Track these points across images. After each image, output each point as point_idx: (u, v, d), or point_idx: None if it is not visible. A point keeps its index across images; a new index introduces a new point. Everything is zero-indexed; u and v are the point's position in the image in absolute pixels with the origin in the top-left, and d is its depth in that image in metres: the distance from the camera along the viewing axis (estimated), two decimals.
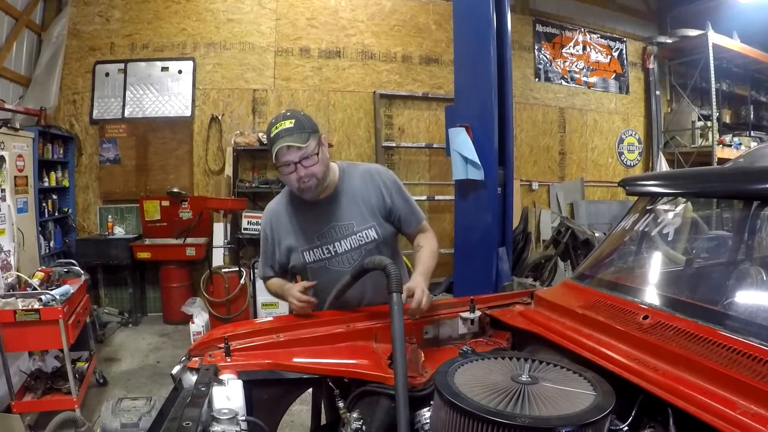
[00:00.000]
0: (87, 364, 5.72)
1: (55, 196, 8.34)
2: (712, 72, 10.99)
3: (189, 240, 8.31)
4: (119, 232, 8.82)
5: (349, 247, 2.89)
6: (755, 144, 11.81)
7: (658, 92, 12.08)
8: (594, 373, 1.88)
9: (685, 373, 1.85)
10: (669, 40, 11.78)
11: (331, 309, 2.81)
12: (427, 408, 2.09)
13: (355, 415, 2.19)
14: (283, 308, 7.71)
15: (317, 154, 2.70)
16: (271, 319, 2.96)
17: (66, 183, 8.60)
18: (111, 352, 7.22)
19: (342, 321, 2.66)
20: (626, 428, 1.85)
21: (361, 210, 2.90)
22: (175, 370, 2.35)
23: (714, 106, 11.20)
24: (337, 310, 2.88)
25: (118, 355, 7.15)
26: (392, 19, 9.82)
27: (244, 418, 1.98)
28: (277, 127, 2.67)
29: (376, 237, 2.89)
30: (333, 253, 2.90)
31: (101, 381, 6.08)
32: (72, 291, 5.22)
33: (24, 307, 4.75)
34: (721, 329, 1.97)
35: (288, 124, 2.65)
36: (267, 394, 2.36)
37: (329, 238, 2.89)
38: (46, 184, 7.92)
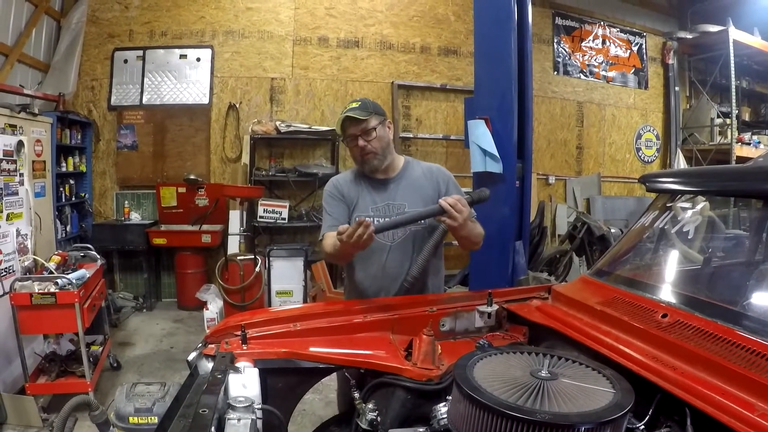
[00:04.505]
0: (101, 348, 5.76)
1: (72, 181, 8.39)
2: (732, 69, 10.87)
3: (205, 227, 8.35)
4: (135, 217, 8.87)
5: None
6: None
7: (677, 88, 11.97)
8: (613, 371, 1.87)
9: (703, 373, 1.84)
10: (689, 36, 11.66)
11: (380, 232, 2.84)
12: (444, 403, 2.08)
13: (370, 405, 2.20)
14: (297, 297, 7.75)
15: (375, 129, 3.07)
16: (287, 308, 2.96)
17: (83, 168, 8.64)
18: (125, 337, 7.28)
19: (359, 311, 2.66)
20: (643, 427, 1.84)
21: (416, 195, 3.16)
22: (191, 356, 2.36)
23: (733, 104, 11.08)
24: (356, 299, 3.05)
25: (132, 339, 7.20)
26: (411, 10, 9.79)
27: (259, 406, 1.98)
28: (346, 107, 3.09)
29: (423, 222, 3.08)
30: None
31: (115, 365, 6.12)
32: (88, 275, 5.25)
33: (40, 291, 4.79)
34: (741, 330, 1.95)
35: (355, 105, 3.06)
36: (282, 383, 2.36)
37: (381, 213, 3.14)
38: (64, 169, 7.97)
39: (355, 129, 3.06)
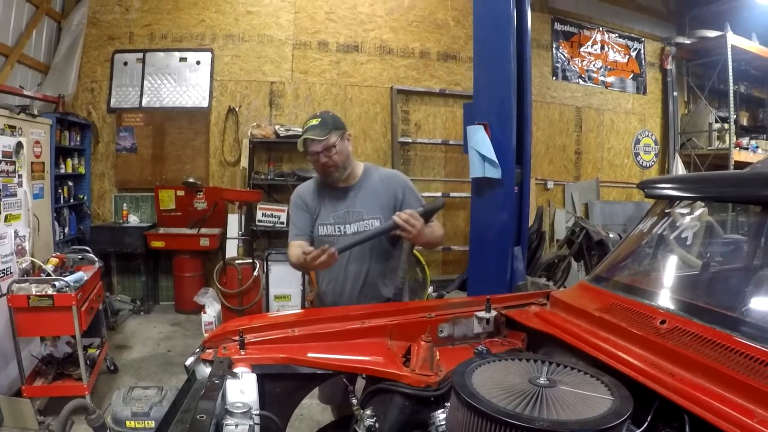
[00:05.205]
0: (98, 351, 5.74)
1: (71, 183, 8.38)
2: (731, 74, 10.90)
3: (203, 230, 8.34)
4: (134, 220, 8.86)
5: (355, 231, 3.35)
6: None
7: (675, 93, 12.00)
8: (611, 377, 1.87)
9: (702, 380, 1.83)
10: (687, 41, 11.70)
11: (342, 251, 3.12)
12: (442, 410, 2.08)
13: (368, 412, 2.20)
14: (295, 301, 7.73)
15: (335, 146, 3.26)
16: (285, 313, 2.98)
17: (82, 170, 8.64)
18: (122, 340, 7.27)
19: (357, 317, 2.67)
20: None
21: (373, 203, 3.39)
22: (189, 361, 2.36)
23: (731, 108, 11.10)
24: (351, 305, 3.17)
25: (130, 342, 7.20)
26: (411, 15, 9.80)
27: (257, 411, 1.98)
28: (306, 124, 3.31)
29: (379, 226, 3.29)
30: (341, 233, 3.37)
31: (112, 368, 6.11)
32: (86, 278, 5.23)
33: (38, 293, 4.76)
34: (739, 336, 1.95)
35: (314, 122, 3.28)
36: (280, 388, 2.36)
37: (341, 220, 3.40)
38: (63, 171, 7.96)
39: (316, 147, 3.26)
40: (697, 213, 3.07)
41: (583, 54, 11.22)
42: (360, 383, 2.48)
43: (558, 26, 10.95)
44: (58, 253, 5.75)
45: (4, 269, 4.94)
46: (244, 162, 8.88)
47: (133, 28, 8.94)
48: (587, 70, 11.28)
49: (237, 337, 2.37)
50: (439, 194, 9.51)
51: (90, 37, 8.78)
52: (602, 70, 11.42)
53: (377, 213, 3.35)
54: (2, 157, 4.94)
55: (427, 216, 3.13)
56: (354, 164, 3.48)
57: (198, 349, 2.43)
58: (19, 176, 5.23)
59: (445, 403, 2.07)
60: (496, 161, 5.45)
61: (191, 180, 8.58)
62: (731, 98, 11.08)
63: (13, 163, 5.11)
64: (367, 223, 3.35)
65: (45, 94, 7.72)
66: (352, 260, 3.35)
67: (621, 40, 11.63)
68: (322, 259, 2.93)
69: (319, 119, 3.29)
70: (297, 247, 3.33)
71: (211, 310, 7.50)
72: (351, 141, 3.48)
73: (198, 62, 9.07)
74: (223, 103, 9.15)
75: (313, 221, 3.46)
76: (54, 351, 5.42)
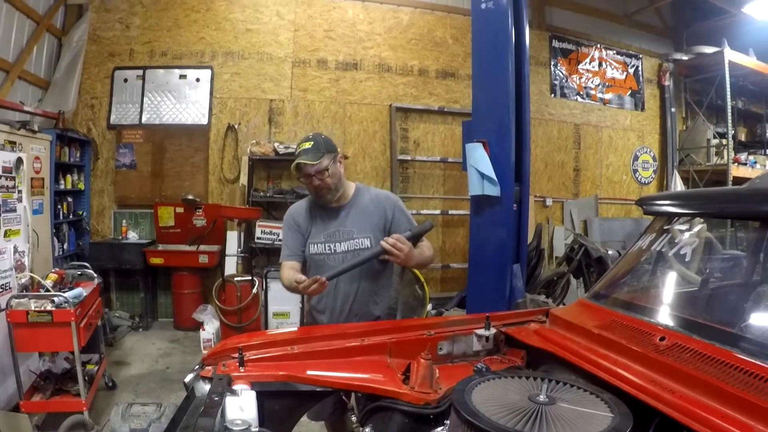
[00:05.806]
0: (97, 367, 5.74)
1: (70, 199, 8.39)
2: (728, 89, 10.93)
3: (202, 247, 8.33)
4: (133, 236, 8.85)
5: (346, 249, 3.41)
6: None
7: (673, 109, 12.03)
8: (611, 395, 1.87)
9: (701, 396, 1.83)
10: (685, 57, 11.76)
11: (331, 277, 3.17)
12: (442, 427, 2.08)
13: (367, 429, 2.20)
14: (293, 318, 7.71)
15: (328, 169, 3.32)
16: (284, 330, 2.99)
17: (81, 186, 8.64)
18: (121, 356, 7.24)
19: (356, 335, 2.67)
20: None
21: (363, 222, 3.45)
22: (188, 378, 2.35)
23: (729, 124, 11.14)
24: (350, 323, 3.24)
25: (128, 359, 7.17)
26: (409, 33, 9.85)
27: (256, 429, 1.98)
28: (299, 147, 3.37)
29: (369, 245, 3.37)
30: (332, 251, 3.43)
31: (110, 384, 6.09)
32: (85, 294, 5.24)
33: (36, 308, 4.77)
34: (738, 352, 1.95)
35: (307, 145, 3.33)
36: (279, 406, 2.36)
37: (332, 239, 3.44)
38: (62, 187, 7.97)
39: (309, 170, 3.31)
40: (695, 229, 3.07)
41: (581, 71, 11.27)
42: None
43: (556, 43, 10.99)
44: (57, 269, 5.76)
45: (3, 284, 4.94)
46: (244, 179, 8.89)
47: (134, 45, 8.98)
48: (585, 87, 11.31)
49: (236, 354, 2.36)
50: (437, 212, 9.55)
51: (90, 53, 8.81)
52: (600, 86, 11.46)
53: (367, 232, 3.42)
54: (2, 172, 4.96)
55: (414, 239, 3.22)
56: (346, 184, 3.55)
57: (197, 366, 2.42)
58: (19, 192, 5.24)
59: (445, 421, 2.07)
60: (495, 179, 5.46)
61: (190, 197, 8.55)
62: (729, 114, 11.11)
63: (13, 178, 5.13)
64: (357, 242, 3.41)
65: (45, 110, 7.74)
66: (343, 279, 3.38)
67: (619, 56, 11.68)
68: (313, 287, 2.99)
69: (312, 142, 3.35)
70: (289, 269, 3.41)
71: (210, 327, 7.48)
72: (343, 163, 3.55)
73: (198, 79, 9.10)
74: (223, 120, 9.17)
75: (305, 241, 3.51)
76: (52, 366, 5.40)
